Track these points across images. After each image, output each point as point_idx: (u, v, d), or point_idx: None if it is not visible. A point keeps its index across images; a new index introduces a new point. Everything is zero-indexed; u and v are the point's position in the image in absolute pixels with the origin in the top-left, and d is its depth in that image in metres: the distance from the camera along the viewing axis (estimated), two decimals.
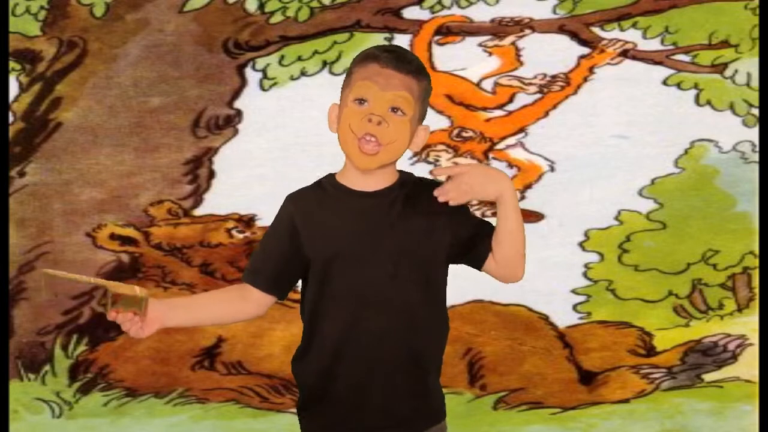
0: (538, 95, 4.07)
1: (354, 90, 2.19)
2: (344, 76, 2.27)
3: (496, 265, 2.27)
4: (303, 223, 2.23)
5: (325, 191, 2.27)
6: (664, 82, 4.05)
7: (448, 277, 2.30)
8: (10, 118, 4.09)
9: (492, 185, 2.21)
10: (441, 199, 2.20)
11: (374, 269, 2.18)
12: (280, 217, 2.27)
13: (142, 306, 2.11)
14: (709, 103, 4.05)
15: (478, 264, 2.28)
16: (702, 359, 4.06)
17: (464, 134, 4.08)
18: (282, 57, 4.09)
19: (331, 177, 2.28)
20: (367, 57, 2.21)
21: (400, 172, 2.30)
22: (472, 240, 2.26)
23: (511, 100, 4.08)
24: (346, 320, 2.19)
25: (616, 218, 4.07)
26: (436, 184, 2.29)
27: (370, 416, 2.21)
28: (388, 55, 2.20)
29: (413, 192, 2.26)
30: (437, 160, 4.07)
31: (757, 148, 4.00)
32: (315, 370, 2.24)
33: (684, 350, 4.06)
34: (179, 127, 4.10)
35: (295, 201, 2.27)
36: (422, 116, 2.26)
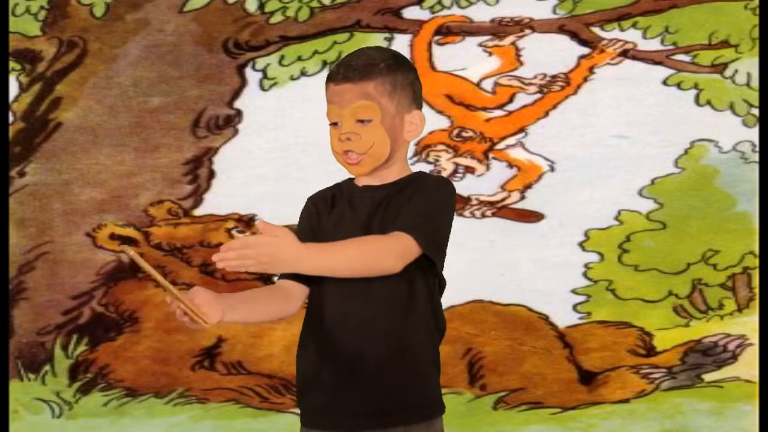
0: (538, 95, 4.07)
1: (327, 115, 2.29)
2: None
3: None
4: (317, 219, 2.30)
5: (341, 190, 2.34)
6: (664, 82, 4.05)
7: (445, 276, 2.31)
8: (10, 118, 4.09)
9: (283, 265, 2.13)
10: (219, 265, 2.15)
11: None
12: (301, 217, 2.36)
13: (201, 325, 2.13)
14: (709, 103, 4.05)
15: None
16: (702, 359, 4.06)
17: (464, 134, 4.08)
18: (282, 57, 4.10)
19: (350, 179, 2.36)
20: (326, 79, 2.30)
21: (418, 172, 2.34)
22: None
23: (511, 100, 4.08)
24: (335, 311, 2.23)
25: (616, 218, 4.06)
26: (435, 177, 2.33)
27: (359, 404, 2.23)
28: (338, 70, 2.28)
29: (409, 183, 2.29)
30: (437, 160, 4.07)
31: (757, 148, 4.00)
32: (309, 356, 2.27)
33: (684, 350, 4.06)
34: (179, 127, 4.10)
35: (313, 200, 2.36)
36: (406, 105, 2.28)
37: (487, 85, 4.09)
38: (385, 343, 2.22)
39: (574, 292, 4.06)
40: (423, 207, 2.24)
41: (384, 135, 2.26)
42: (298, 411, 2.33)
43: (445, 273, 2.31)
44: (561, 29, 4.07)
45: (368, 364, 2.22)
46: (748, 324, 4.04)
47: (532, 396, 4.04)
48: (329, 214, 2.30)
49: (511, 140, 4.08)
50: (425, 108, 2.35)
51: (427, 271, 2.25)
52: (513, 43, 4.07)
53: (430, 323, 2.28)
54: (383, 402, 2.22)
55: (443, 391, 2.34)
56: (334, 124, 2.28)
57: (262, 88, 4.10)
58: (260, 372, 4.06)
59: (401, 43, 4.04)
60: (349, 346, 2.22)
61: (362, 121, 2.25)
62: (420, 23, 4.07)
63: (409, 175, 2.33)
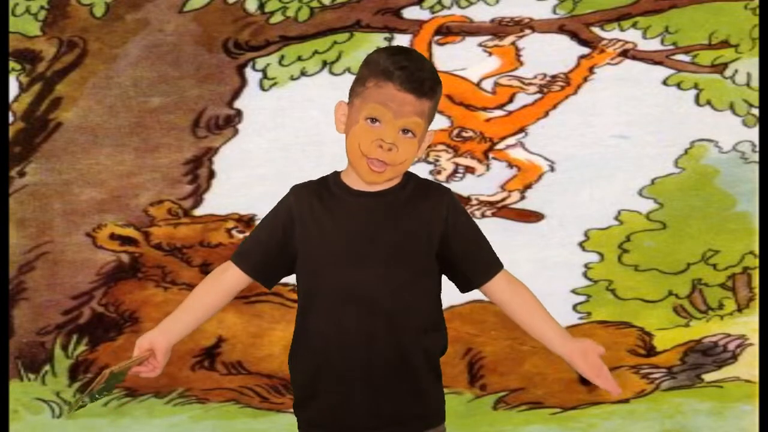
0: (538, 95, 4.07)
1: (368, 109, 2.19)
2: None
3: (492, 297, 2.31)
4: (300, 217, 2.25)
5: (328, 188, 2.28)
6: (664, 82, 4.05)
7: (445, 275, 2.31)
8: (10, 118, 4.09)
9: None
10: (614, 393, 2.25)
11: (366, 268, 2.19)
12: (278, 207, 2.31)
13: (120, 377, 2.18)
14: (709, 103, 4.05)
15: (460, 288, 2.31)
16: (702, 359, 4.06)
17: (464, 134, 4.08)
18: (282, 57, 4.10)
19: (335, 175, 2.30)
20: (383, 74, 2.19)
21: (406, 173, 2.30)
22: (460, 263, 2.27)
23: (511, 100, 4.08)
24: (334, 318, 2.21)
25: (616, 218, 4.07)
26: (439, 187, 2.31)
27: (358, 416, 2.22)
28: (403, 76, 2.19)
29: (414, 194, 2.26)
30: (437, 160, 4.07)
31: (757, 148, 4.00)
32: (305, 368, 2.25)
33: (684, 350, 4.06)
34: (179, 127, 4.10)
35: (297, 194, 2.30)
36: (430, 123, 2.29)
37: (487, 85, 4.09)
38: (387, 354, 2.20)
39: (574, 292, 4.06)
40: (482, 237, 2.31)
41: (415, 152, 2.22)
42: None
43: None
44: (561, 29, 4.07)
45: (369, 376, 2.20)
46: (748, 324, 4.04)
47: (532, 396, 4.04)
48: (317, 211, 2.25)
49: (511, 140, 4.09)
50: None
51: (438, 284, 2.26)
52: (513, 43, 4.07)
53: (434, 334, 2.28)
54: (384, 413, 2.22)
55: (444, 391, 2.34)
56: (372, 120, 2.19)
57: (262, 88, 4.10)
58: (260, 372, 4.07)
59: (401, 43, 4.04)
60: (349, 357, 2.21)
61: (405, 133, 2.19)
62: (420, 23, 4.07)
63: (407, 182, 2.27)
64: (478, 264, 2.28)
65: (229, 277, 2.30)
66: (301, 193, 2.29)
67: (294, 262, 2.25)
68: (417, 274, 2.22)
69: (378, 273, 2.18)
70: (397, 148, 2.18)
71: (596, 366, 2.23)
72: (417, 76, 2.20)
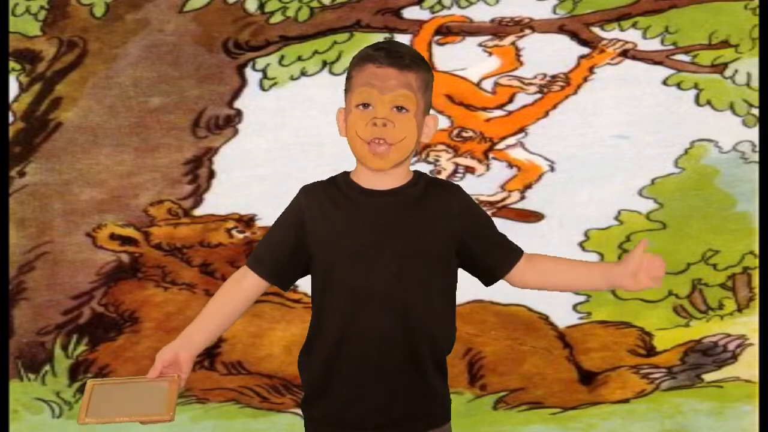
0: (538, 95, 4.07)
1: (356, 96, 2.21)
2: (344, 76, 2.28)
3: (518, 280, 2.30)
4: (311, 217, 2.25)
5: (339, 188, 2.28)
6: (664, 82, 4.05)
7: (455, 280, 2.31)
8: (10, 118, 4.09)
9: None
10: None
11: (379, 267, 2.19)
12: (290, 208, 2.30)
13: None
14: (709, 103, 4.05)
15: (484, 281, 2.31)
16: (702, 359, 4.06)
17: (464, 134, 4.08)
18: (282, 57, 4.10)
19: (345, 174, 2.30)
20: (362, 59, 2.23)
21: (415, 171, 2.31)
22: (482, 257, 2.27)
23: (511, 100, 4.08)
24: (347, 317, 2.21)
25: (616, 218, 4.07)
26: (450, 184, 2.31)
27: (368, 414, 2.22)
28: (382, 54, 2.22)
29: (426, 192, 2.27)
30: (437, 160, 4.07)
31: (757, 148, 4.01)
32: (317, 365, 2.25)
33: (684, 350, 4.06)
34: (179, 127, 4.10)
35: (308, 194, 2.29)
36: (427, 106, 2.28)
37: (487, 85, 4.09)
38: (399, 352, 2.21)
39: (574, 292, 4.06)
40: (495, 227, 2.33)
41: (415, 129, 2.22)
42: (298, 411, 2.33)
43: None
44: (561, 29, 4.07)
45: (380, 373, 2.21)
46: (748, 324, 4.04)
47: (532, 396, 4.04)
48: (328, 211, 2.25)
49: (511, 140, 4.09)
50: None
51: (450, 282, 2.26)
52: (513, 43, 4.07)
53: (444, 333, 2.28)
54: (393, 411, 2.22)
55: None
56: (363, 105, 2.20)
57: (262, 88, 4.10)
58: (260, 372, 4.07)
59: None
60: (361, 354, 2.21)
61: (399, 109, 2.20)
62: (420, 23, 4.07)
63: (418, 180, 2.29)
64: (499, 254, 2.29)
65: (248, 284, 2.29)
66: (312, 193, 2.29)
67: (308, 262, 2.25)
68: (429, 272, 2.22)
69: (391, 271, 2.19)
70: (393, 124, 2.19)
71: (652, 281, 2.28)
72: (395, 51, 2.23)
